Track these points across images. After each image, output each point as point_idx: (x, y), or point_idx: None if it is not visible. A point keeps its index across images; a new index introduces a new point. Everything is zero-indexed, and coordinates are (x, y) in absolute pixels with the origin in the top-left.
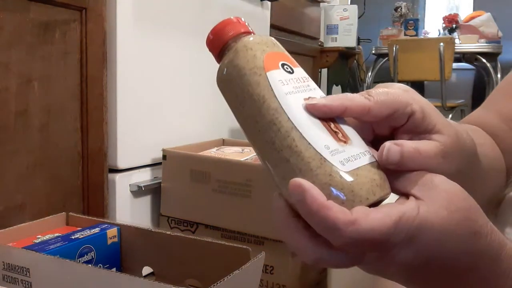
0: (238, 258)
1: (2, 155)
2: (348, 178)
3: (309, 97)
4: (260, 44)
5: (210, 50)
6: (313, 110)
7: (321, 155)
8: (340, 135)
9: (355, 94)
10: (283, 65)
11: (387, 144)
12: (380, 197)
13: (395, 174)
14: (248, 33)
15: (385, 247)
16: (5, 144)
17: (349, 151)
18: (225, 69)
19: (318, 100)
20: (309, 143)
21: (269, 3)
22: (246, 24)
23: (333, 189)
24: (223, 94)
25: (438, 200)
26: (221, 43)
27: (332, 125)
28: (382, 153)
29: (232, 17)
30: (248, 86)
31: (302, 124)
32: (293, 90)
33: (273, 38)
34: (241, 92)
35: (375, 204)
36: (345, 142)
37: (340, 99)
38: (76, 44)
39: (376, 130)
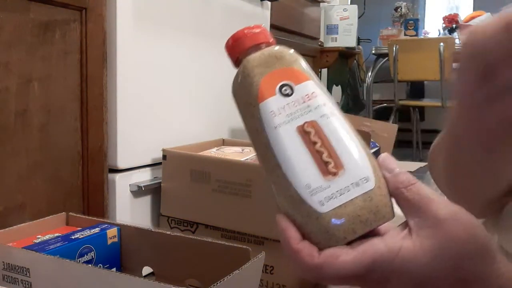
0: (238, 258)
1: (2, 155)
2: (324, 220)
3: (304, 123)
4: (259, 67)
5: (228, 55)
6: None
7: (300, 196)
8: (331, 165)
9: None
10: (282, 86)
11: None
12: (363, 232)
13: (404, 197)
14: (258, 46)
15: (360, 281)
16: (5, 144)
17: (335, 185)
18: (233, 89)
19: None
20: (291, 183)
21: (269, 3)
22: (258, 32)
23: (310, 229)
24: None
25: (429, 243)
26: (234, 55)
27: (325, 155)
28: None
29: (249, 27)
30: (245, 116)
31: (286, 162)
32: (285, 120)
33: (282, 50)
34: (243, 118)
35: (367, 234)
36: (334, 174)
37: None
38: (76, 44)
39: None
